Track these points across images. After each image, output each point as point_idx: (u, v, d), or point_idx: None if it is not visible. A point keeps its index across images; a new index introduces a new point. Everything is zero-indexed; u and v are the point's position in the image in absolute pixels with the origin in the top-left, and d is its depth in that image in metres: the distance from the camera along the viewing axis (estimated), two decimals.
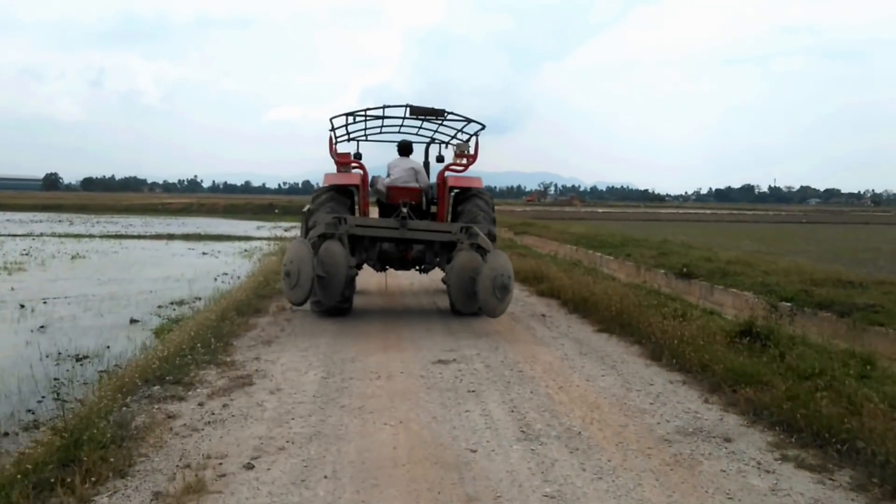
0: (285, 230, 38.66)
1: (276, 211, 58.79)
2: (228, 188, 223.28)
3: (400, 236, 8.41)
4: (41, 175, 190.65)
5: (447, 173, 9.38)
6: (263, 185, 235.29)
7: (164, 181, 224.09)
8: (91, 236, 28.88)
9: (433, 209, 9.48)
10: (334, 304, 7.98)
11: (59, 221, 41.31)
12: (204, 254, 21.99)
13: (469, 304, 7.88)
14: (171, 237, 29.49)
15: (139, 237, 29.29)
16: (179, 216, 55.39)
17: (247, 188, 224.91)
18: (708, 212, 75.47)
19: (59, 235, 28.76)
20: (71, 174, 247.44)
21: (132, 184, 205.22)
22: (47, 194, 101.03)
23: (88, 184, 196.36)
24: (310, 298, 7.64)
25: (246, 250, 23.54)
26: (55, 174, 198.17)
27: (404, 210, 8.50)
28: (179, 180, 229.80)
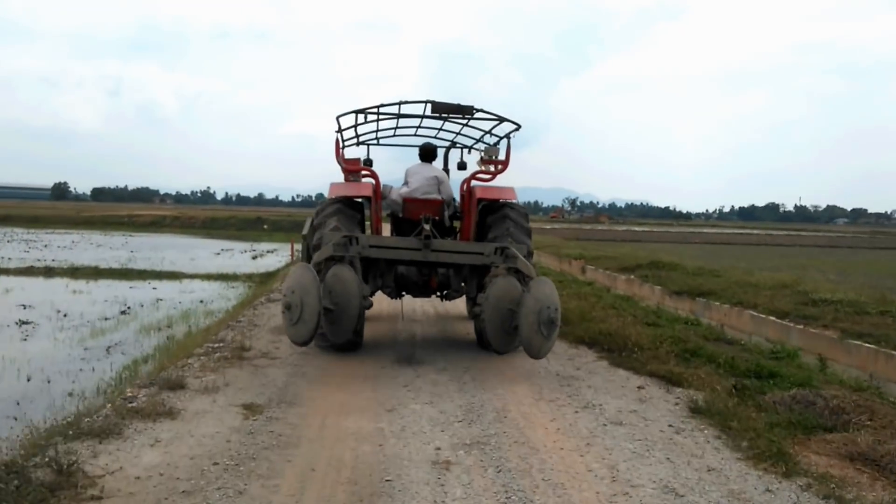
0: (253, 257, 27.99)
1: (265, 227, 48.63)
2: (241, 200, 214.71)
3: (423, 258, 6.99)
4: (51, 184, 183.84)
5: (474, 182, 8.01)
6: (277, 197, 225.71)
7: (177, 192, 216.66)
8: None
9: (456, 224, 8.25)
10: (344, 340, 6.70)
11: None
12: (23, 323, 11.37)
13: (507, 342, 6.53)
14: (48, 272, 18.84)
15: (3, 272, 18.63)
16: (144, 232, 45.23)
17: (259, 200, 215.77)
18: (757, 232, 64.71)
19: None
20: (84, 184, 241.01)
21: (143, 194, 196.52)
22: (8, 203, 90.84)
23: (98, 194, 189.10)
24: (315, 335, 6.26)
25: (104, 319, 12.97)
26: (64, 183, 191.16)
27: (427, 227, 7.06)
28: (192, 192, 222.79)
